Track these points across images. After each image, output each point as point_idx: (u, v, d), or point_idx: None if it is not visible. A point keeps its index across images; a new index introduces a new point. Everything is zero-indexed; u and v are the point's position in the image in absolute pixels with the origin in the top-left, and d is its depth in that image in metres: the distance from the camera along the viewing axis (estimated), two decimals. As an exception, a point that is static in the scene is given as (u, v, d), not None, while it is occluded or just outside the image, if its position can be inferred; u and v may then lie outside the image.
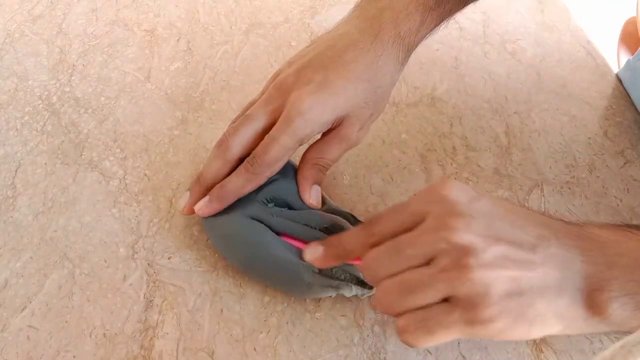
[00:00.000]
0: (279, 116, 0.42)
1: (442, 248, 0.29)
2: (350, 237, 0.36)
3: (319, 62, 0.42)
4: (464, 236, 0.29)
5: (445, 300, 0.30)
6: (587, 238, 0.32)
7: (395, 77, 0.45)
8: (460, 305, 0.29)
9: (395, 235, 0.32)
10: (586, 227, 0.33)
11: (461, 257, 0.29)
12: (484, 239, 0.29)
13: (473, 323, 0.29)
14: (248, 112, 0.44)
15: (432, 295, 0.30)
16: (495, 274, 0.29)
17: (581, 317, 0.31)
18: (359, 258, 0.35)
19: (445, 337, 0.30)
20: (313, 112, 0.41)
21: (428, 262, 0.30)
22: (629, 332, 0.27)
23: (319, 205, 0.45)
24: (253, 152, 0.42)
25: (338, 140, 0.44)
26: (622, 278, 0.30)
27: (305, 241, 0.41)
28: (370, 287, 0.44)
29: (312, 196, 0.44)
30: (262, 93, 0.45)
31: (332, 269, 0.43)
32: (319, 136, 0.46)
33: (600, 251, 0.31)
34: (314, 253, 0.37)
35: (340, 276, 0.43)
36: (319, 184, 0.45)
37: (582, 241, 0.31)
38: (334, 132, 0.44)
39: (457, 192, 0.31)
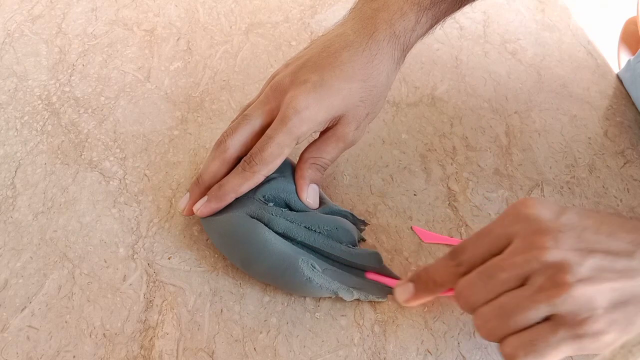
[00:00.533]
0: (276, 116, 0.42)
1: (535, 268, 0.29)
2: (438, 269, 0.36)
3: (315, 63, 0.43)
4: (556, 253, 0.28)
5: (547, 318, 0.30)
6: None
7: (392, 76, 0.45)
8: (566, 323, 0.29)
9: (484, 261, 0.32)
10: None
11: (556, 274, 0.28)
12: (576, 252, 0.29)
13: (582, 338, 0.29)
14: (245, 112, 0.44)
15: (534, 315, 0.29)
16: (596, 287, 0.28)
17: None
18: (450, 289, 0.35)
19: (555, 356, 0.30)
20: (309, 111, 0.41)
21: (523, 283, 0.30)
22: None
23: (316, 205, 0.45)
24: (250, 151, 0.42)
25: (335, 140, 0.44)
26: None
27: (393, 277, 0.43)
28: (372, 294, 0.44)
29: (309, 195, 0.44)
30: (260, 94, 0.46)
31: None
32: (316, 135, 0.46)
33: None
34: (405, 292, 0.38)
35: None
36: (317, 184, 0.45)
37: None
38: (331, 132, 0.44)
39: (540, 209, 0.30)
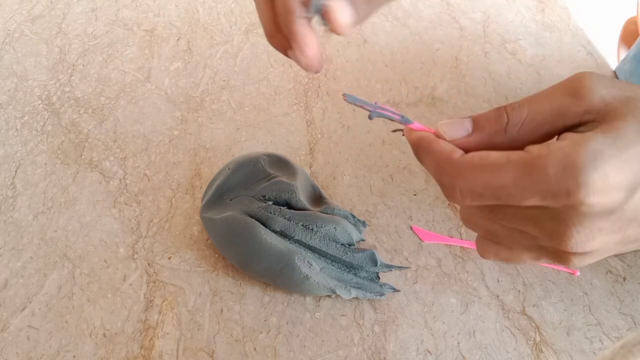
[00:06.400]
0: None
1: (552, 245, 0.25)
2: (431, 171, 0.27)
3: None
4: (579, 249, 0.24)
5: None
6: None
7: None
8: (551, 258, 0.26)
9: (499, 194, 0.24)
10: None
11: (567, 254, 0.25)
12: (603, 239, 0.24)
13: (562, 265, 0.27)
14: None
15: (522, 248, 0.27)
16: (600, 255, 0.25)
17: None
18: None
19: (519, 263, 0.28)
20: None
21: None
22: None
23: (346, 21, 0.31)
24: None
25: None
26: None
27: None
28: (371, 292, 0.44)
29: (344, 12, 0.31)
30: None
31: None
32: None
33: None
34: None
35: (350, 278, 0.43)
36: None
37: None
38: None
39: (600, 196, 0.22)
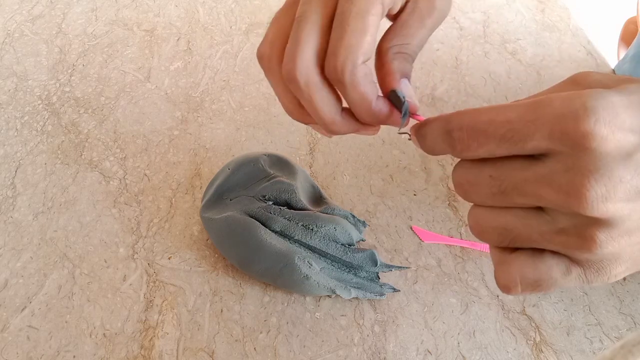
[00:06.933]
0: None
1: (565, 211, 0.22)
2: (432, 135, 0.26)
3: None
4: (600, 208, 0.21)
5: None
6: None
7: None
8: (583, 266, 0.24)
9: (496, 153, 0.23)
10: None
11: (588, 227, 0.22)
12: (627, 201, 0.21)
13: (594, 282, 0.24)
14: (298, 12, 0.30)
15: (542, 247, 0.24)
16: (630, 241, 0.22)
17: None
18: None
19: (552, 291, 0.26)
20: None
21: (539, 207, 0.24)
22: None
23: (416, 101, 0.32)
24: (327, 51, 0.29)
25: (418, 15, 0.32)
26: None
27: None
28: (371, 292, 0.44)
29: (404, 91, 0.31)
30: None
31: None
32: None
33: None
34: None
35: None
36: (408, 77, 0.33)
37: None
38: (409, 8, 0.32)
39: (609, 131, 0.20)
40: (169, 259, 0.46)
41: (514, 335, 0.43)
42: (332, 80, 0.29)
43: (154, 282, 0.45)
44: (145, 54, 0.61)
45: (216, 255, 0.46)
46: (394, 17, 0.32)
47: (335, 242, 0.44)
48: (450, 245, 0.48)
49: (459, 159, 0.26)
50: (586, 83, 0.24)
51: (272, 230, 0.44)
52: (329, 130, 0.32)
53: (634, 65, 0.60)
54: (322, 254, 0.44)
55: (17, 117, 0.55)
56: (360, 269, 0.44)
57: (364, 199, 0.51)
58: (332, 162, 0.53)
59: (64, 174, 0.51)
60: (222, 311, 0.43)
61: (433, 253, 0.48)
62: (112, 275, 0.45)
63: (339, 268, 0.44)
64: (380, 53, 0.32)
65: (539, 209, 0.23)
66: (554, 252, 0.24)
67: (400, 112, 0.30)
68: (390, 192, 0.51)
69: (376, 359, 0.42)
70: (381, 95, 0.30)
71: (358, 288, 0.44)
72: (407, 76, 0.32)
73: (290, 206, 0.46)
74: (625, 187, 0.21)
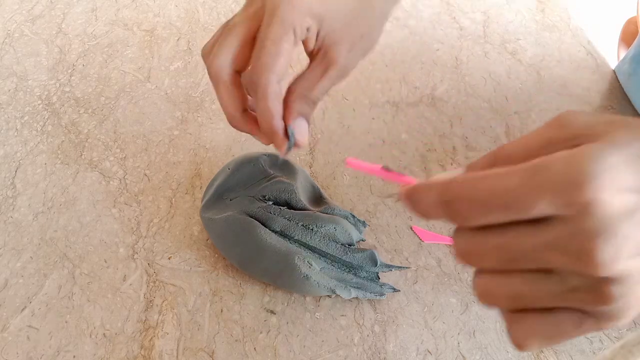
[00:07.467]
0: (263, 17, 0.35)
1: (575, 273, 0.23)
2: (429, 203, 0.25)
3: None
4: (612, 267, 0.21)
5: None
6: None
7: (389, 6, 0.40)
8: (596, 317, 0.24)
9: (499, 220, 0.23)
10: None
11: (602, 284, 0.22)
12: (637, 259, 0.22)
13: (608, 327, 0.24)
14: (228, 22, 0.37)
15: (553, 305, 0.24)
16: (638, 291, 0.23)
17: None
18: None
19: (564, 341, 0.25)
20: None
21: (547, 269, 0.24)
22: None
23: (305, 140, 0.38)
24: (249, 63, 0.35)
25: (325, 66, 0.37)
26: None
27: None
28: (371, 292, 0.44)
29: (296, 128, 0.36)
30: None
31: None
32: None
33: None
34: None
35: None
36: (307, 119, 0.38)
37: None
38: (320, 57, 0.37)
39: (611, 195, 0.21)
40: (169, 259, 0.46)
41: (514, 335, 0.43)
42: (248, 88, 0.35)
43: (154, 282, 0.45)
44: (145, 54, 0.61)
45: (216, 255, 0.46)
46: (309, 54, 0.38)
47: (335, 242, 0.44)
48: (450, 245, 0.48)
49: (455, 167, 0.26)
50: (574, 128, 0.24)
51: (272, 230, 0.44)
52: (231, 123, 0.37)
53: (634, 66, 0.60)
54: (322, 254, 0.44)
55: (17, 117, 0.55)
56: (360, 269, 0.44)
57: (364, 199, 0.51)
58: (332, 162, 0.53)
59: (64, 174, 0.51)
60: (222, 311, 0.43)
61: (433, 253, 0.48)
62: (112, 275, 0.45)
63: (339, 268, 0.44)
64: (288, 93, 0.37)
65: (548, 270, 0.23)
66: (565, 307, 0.24)
67: (288, 143, 0.36)
68: (390, 192, 0.51)
69: (376, 359, 0.42)
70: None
71: (358, 288, 0.44)
72: (305, 116, 0.37)
73: (290, 206, 0.46)
74: (632, 243, 0.21)
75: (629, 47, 0.65)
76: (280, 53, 0.34)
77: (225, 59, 0.35)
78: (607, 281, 0.22)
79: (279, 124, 0.35)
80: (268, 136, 0.36)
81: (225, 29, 0.36)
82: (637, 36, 0.62)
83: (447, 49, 0.64)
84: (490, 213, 0.23)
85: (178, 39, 0.63)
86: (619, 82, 0.62)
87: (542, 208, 0.21)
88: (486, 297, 0.26)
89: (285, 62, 0.34)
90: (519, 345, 0.25)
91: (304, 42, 0.35)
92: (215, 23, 0.65)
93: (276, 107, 0.34)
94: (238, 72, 0.36)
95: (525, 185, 0.22)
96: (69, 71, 0.59)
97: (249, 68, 0.35)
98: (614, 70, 0.63)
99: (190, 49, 0.62)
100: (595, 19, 0.70)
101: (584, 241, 0.21)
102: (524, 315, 0.25)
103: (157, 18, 0.65)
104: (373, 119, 0.57)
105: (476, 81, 0.61)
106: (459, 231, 0.25)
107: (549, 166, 0.22)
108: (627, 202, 0.21)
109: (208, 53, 0.37)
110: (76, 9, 0.65)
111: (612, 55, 0.66)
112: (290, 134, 0.36)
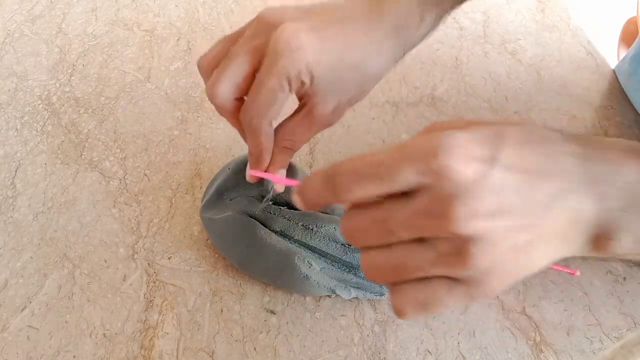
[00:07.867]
0: (264, 53, 0.37)
1: (440, 236, 0.27)
2: (315, 187, 0.29)
3: (310, 9, 0.38)
4: (468, 225, 0.25)
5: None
6: (609, 182, 0.28)
7: (388, 65, 0.42)
8: (464, 283, 0.28)
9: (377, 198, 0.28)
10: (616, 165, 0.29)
11: (463, 245, 0.26)
12: (489, 218, 0.26)
13: (476, 297, 0.28)
14: (230, 51, 0.38)
15: (430, 274, 0.28)
16: (500, 255, 0.27)
17: (580, 252, 0.29)
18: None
19: (442, 310, 0.30)
20: (302, 50, 0.36)
21: (421, 239, 0.28)
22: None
23: (282, 189, 0.42)
24: (245, 101, 0.38)
25: (308, 122, 0.40)
26: (637, 222, 0.28)
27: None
28: (371, 292, 0.44)
29: (275, 178, 0.41)
30: (246, 27, 0.40)
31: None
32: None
33: (619, 193, 0.28)
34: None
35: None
36: (285, 167, 0.42)
37: (604, 186, 0.28)
38: (305, 111, 0.40)
39: (462, 163, 0.25)
40: (169, 259, 0.46)
41: (514, 335, 0.43)
42: (243, 123, 0.38)
43: (154, 282, 0.45)
44: (145, 54, 0.61)
45: (216, 255, 0.46)
46: (298, 97, 0.40)
47: (335, 242, 0.44)
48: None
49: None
50: (441, 129, 0.29)
51: (272, 230, 0.44)
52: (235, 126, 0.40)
53: (635, 66, 0.60)
54: (322, 254, 0.44)
55: (17, 117, 0.55)
56: (360, 268, 0.44)
57: (364, 199, 0.51)
58: (332, 162, 0.53)
59: (64, 174, 0.51)
60: (222, 311, 0.43)
61: (433, 253, 0.48)
62: (112, 275, 0.45)
63: (339, 268, 0.44)
64: (274, 141, 0.41)
65: (422, 240, 0.27)
66: (439, 276, 0.28)
67: (269, 188, 0.44)
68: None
69: (376, 359, 0.42)
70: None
71: (358, 288, 0.44)
72: (285, 166, 0.42)
73: (290, 206, 0.46)
74: (486, 204, 0.25)
75: (629, 47, 0.65)
76: (275, 101, 0.37)
77: (228, 90, 0.38)
78: (467, 241, 0.26)
79: (267, 157, 0.40)
80: (256, 161, 0.40)
81: (227, 58, 0.38)
82: (637, 36, 0.62)
83: (447, 49, 0.64)
84: (365, 182, 0.27)
85: (178, 39, 0.63)
86: (619, 82, 0.62)
87: (407, 176, 0.26)
88: (372, 272, 0.29)
89: (278, 108, 0.38)
90: (398, 311, 0.29)
91: (296, 90, 0.38)
92: (215, 23, 0.65)
93: (265, 144, 0.39)
94: (237, 99, 0.39)
95: (393, 157, 0.26)
96: (69, 71, 0.59)
97: (244, 105, 0.38)
98: (614, 70, 0.63)
99: (190, 49, 0.62)
100: (595, 19, 0.70)
101: (444, 203, 0.25)
102: (403, 285, 0.29)
103: (157, 18, 0.65)
104: (373, 119, 0.57)
105: (476, 81, 0.61)
106: (345, 216, 0.29)
107: (412, 143, 0.26)
108: (476, 169, 0.25)
109: (207, 72, 0.39)
110: (76, 9, 0.65)
111: (612, 55, 0.66)
112: (269, 186, 0.42)
